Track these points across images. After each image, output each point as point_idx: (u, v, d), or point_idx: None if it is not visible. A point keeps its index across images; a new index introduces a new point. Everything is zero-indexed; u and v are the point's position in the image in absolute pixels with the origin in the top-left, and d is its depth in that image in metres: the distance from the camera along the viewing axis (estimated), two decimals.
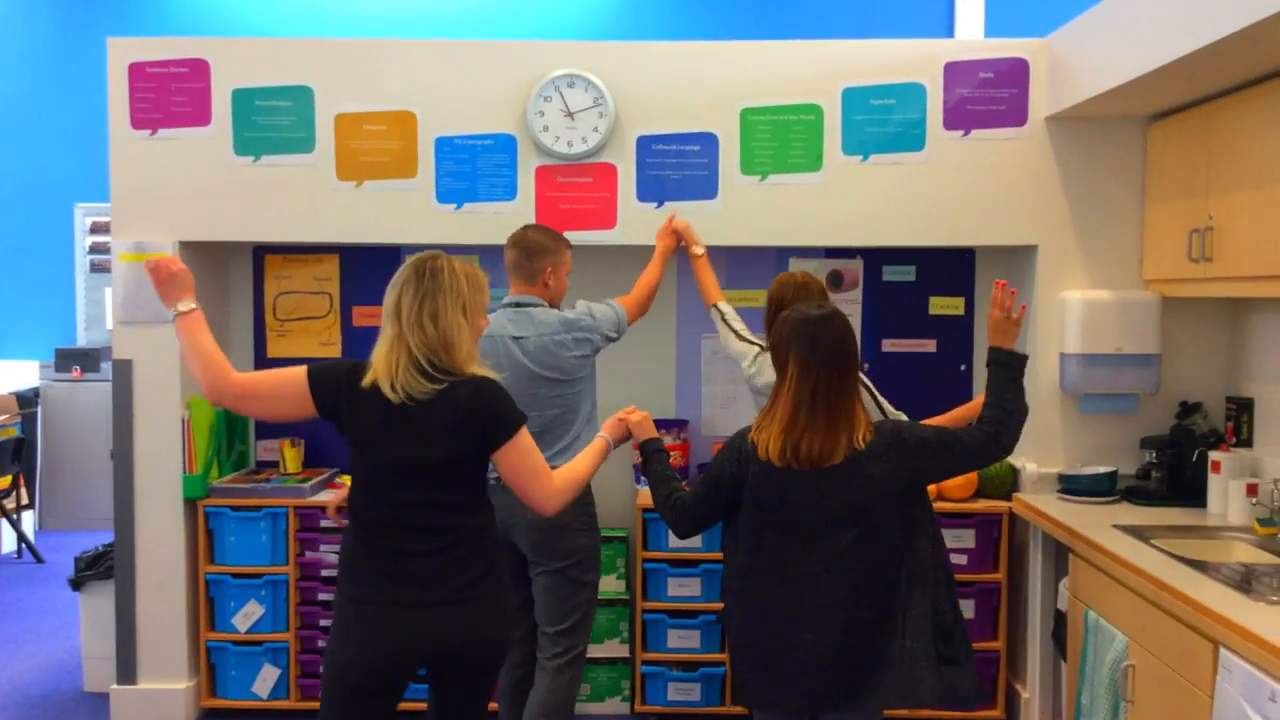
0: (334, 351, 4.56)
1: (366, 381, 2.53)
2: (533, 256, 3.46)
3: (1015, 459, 4.22)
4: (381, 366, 2.53)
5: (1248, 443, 3.82)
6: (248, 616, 4.19)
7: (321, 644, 4.16)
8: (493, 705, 3.19)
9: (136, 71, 4.11)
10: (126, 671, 4.20)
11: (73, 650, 4.98)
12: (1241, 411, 3.86)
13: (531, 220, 4.09)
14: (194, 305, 2.64)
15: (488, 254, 4.49)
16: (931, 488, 4.07)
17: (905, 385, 4.48)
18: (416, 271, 2.57)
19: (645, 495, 4.23)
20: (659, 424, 4.31)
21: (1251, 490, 3.51)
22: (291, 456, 4.43)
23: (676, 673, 4.15)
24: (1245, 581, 2.86)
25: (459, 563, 2.55)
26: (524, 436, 2.59)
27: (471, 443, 2.54)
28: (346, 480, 4.41)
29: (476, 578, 2.57)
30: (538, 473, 2.62)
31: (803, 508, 2.63)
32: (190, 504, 4.19)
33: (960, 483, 4.12)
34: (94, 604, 4.48)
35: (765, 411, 2.73)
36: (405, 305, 2.54)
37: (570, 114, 4.05)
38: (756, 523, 2.69)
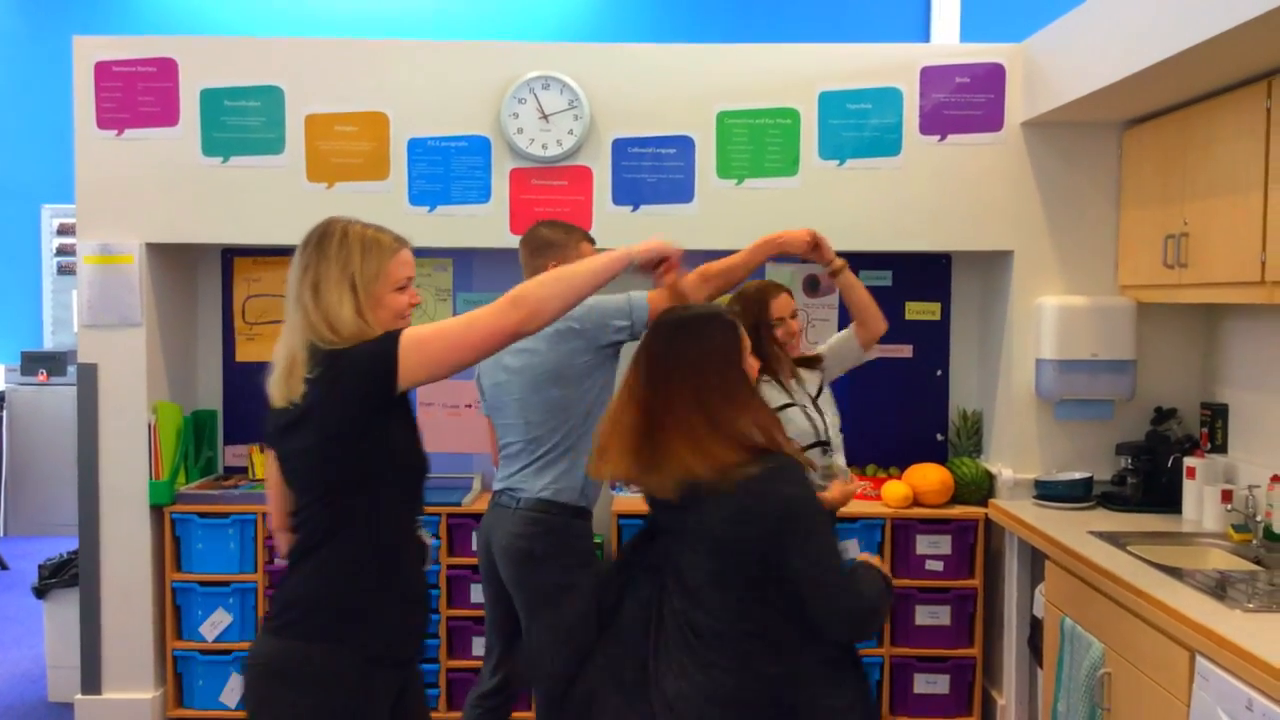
0: None
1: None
2: (537, 252, 3.12)
3: (991, 465, 4.22)
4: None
5: (1222, 449, 3.82)
6: (215, 625, 4.12)
7: None
8: None
9: (103, 70, 4.05)
10: (91, 681, 4.13)
11: (37, 659, 4.89)
12: (1216, 417, 3.87)
13: (505, 223, 4.06)
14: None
15: (461, 257, 4.47)
16: (908, 493, 4.11)
17: (881, 391, 4.48)
18: (303, 241, 2.25)
19: (621, 501, 4.19)
20: None
21: (1226, 496, 3.51)
22: (261, 462, 4.36)
23: None
24: (1220, 588, 2.85)
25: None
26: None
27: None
28: None
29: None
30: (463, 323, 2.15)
31: None
32: (157, 510, 4.12)
33: (937, 487, 4.11)
34: (58, 612, 4.40)
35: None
36: (290, 280, 2.23)
37: (545, 116, 4.01)
38: None
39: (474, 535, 3.73)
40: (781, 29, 7.65)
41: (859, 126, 4.06)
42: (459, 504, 4.15)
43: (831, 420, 3.39)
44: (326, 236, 2.22)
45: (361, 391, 2.12)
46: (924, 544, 4.07)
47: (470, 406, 4.42)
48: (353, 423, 2.13)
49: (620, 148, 4.07)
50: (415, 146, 4.06)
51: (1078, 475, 3.93)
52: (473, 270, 4.48)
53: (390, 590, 2.20)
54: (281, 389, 2.19)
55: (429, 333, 2.12)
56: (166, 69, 4.05)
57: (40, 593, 4.44)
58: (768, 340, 3.28)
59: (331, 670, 2.14)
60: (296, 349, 2.18)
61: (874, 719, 2.35)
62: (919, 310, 4.50)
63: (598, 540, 4.28)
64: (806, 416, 3.28)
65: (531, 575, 3.05)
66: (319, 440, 2.15)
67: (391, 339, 2.11)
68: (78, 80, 4.05)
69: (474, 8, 8.03)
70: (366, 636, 2.16)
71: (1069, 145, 4.03)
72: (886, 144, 4.06)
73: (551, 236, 3.13)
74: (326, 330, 2.16)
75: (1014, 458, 4.09)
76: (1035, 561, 3.84)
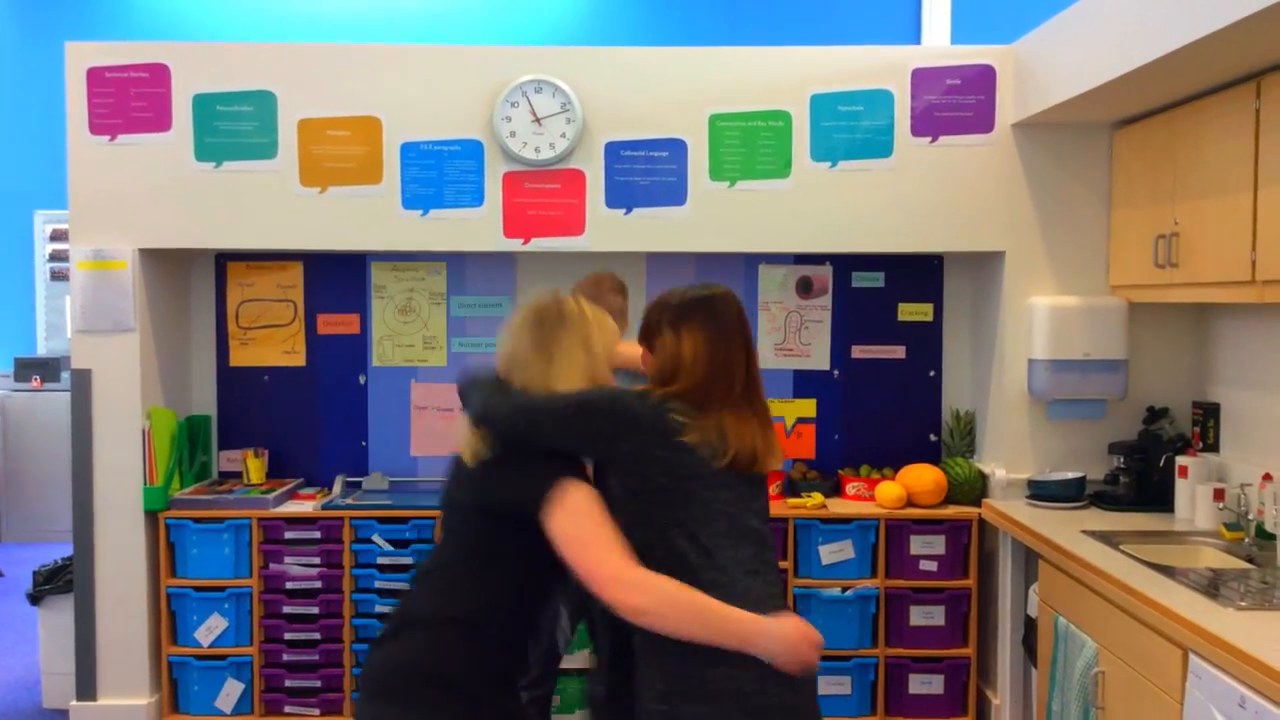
0: (298, 360, 4.50)
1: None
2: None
3: (984, 465, 4.23)
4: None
5: (1214, 448, 3.84)
6: (210, 630, 4.12)
7: (287, 658, 4.12)
8: None
9: (95, 76, 4.05)
10: (86, 687, 4.12)
11: (31, 666, 4.88)
12: (1208, 416, 3.88)
13: (499, 227, 4.07)
14: None
15: (455, 260, 4.47)
16: (902, 494, 4.12)
17: (874, 392, 4.49)
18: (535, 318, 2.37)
19: None
20: None
21: (1218, 495, 3.53)
22: (255, 467, 4.36)
23: None
24: (1213, 587, 2.86)
25: None
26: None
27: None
28: (320, 493, 4.37)
29: None
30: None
31: None
32: (151, 516, 4.12)
33: (931, 488, 4.12)
34: (53, 618, 4.39)
35: None
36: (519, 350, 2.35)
37: (538, 120, 4.02)
38: None
39: None
40: (772, 32, 7.66)
41: (850, 128, 4.07)
42: None
43: None
44: (564, 315, 2.33)
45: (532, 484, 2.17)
46: (918, 544, 4.08)
47: None
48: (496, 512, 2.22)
49: (613, 150, 4.07)
50: (408, 150, 4.06)
51: (1070, 475, 3.94)
52: (466, 274, 4.48)
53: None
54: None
55: (577, 518, 2.12)
56: (159, 75, 4.05)
57: (35, 599, 4.43)
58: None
59: None
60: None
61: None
62: (911, 311, 4.51)
63: None
64: None
65: None
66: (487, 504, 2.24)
67: (544, 492, 2.13)
68: (70, 86, 4.05)
69: (466, 12, 8.04)
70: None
71: (1059, 146, 4.05)
72: (878, 146, 4.07)
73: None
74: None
75: (1007, 458, 4.10)
76: (1029, 561, 3.85)
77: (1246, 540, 3.34)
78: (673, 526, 2.16)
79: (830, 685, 4.08)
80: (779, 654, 2.09)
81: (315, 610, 4.11)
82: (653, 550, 2.14)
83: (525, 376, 2.27)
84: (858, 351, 4.51)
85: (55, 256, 7.91)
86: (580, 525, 2.12)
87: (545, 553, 2.13)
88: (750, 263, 4.48)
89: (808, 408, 4.52)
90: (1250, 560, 3.21)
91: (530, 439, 2.18)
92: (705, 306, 2.32)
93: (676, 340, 2.29)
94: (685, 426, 2.17)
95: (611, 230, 4.06)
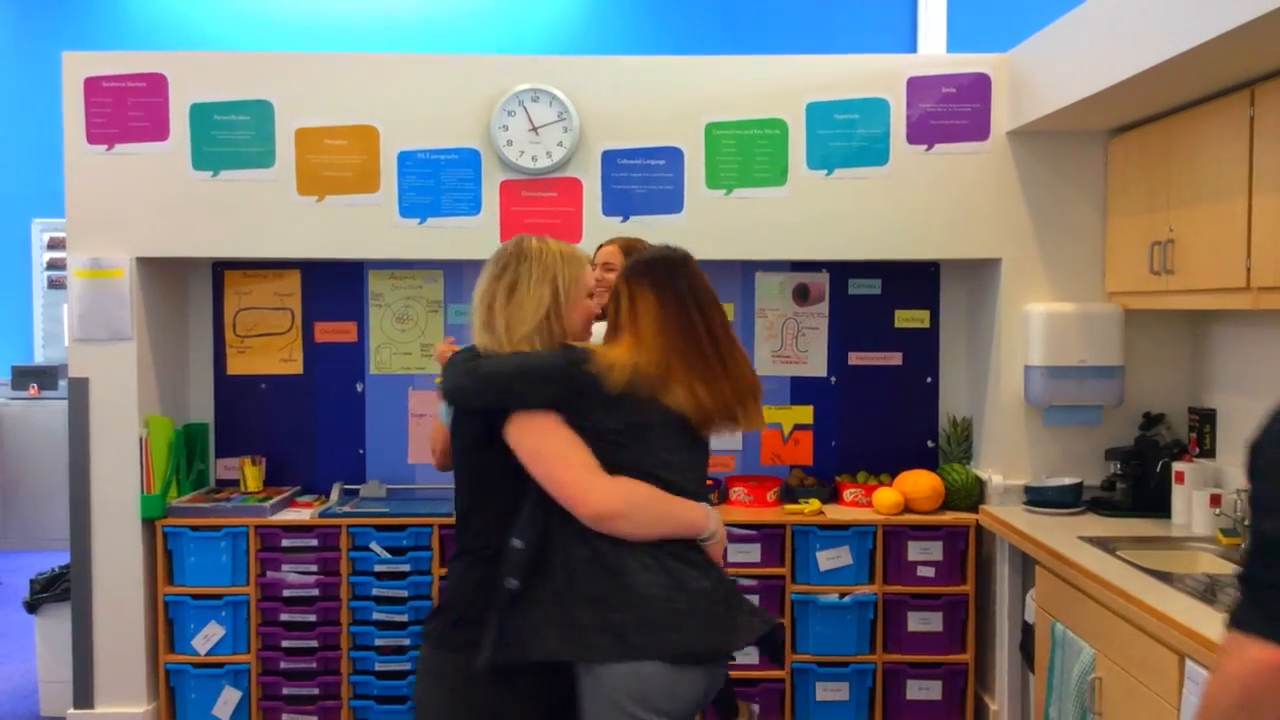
0: (295, 368, 4.50)
1: None
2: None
3: (981, 471, 4.23)
4: None
5: (1210, 453, 3.84)
6: (208, 638, 4.11)
7: (285, 665, 4.11)
8: None
9: (93, 86, 4.05)
10: (84, 695, 4.11)
11: (29, 674, 4.87)
12: (1204, 422, 3.89)
13: (496, 235, 4.07)
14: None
15: (452, 269, 4.48)
16: (899, 500, 4.12)
17: (871, 398, 4.50)
18: (496, 255, 2.45)
19: None
20: None
21: (1215, 501, 3.53)
22: (252, 475, 4.36)
23: None
24: (1210, 592, 2.87)
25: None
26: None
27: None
28: (317, 501, 4.37)
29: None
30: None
31: None
32: (148, 524, 4.11)
33: (928, 494, 4.12)
34: (50, 627, 4.39)
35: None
36: (479, 288, 2.43)
37: (535, 128, 4.03)
38: None
39: None
40: (769, 40, 7.67)
41: (847, 136, 4.08)
42: (451, 514, 4.15)
43: None
44: (526, 248, 2.36)
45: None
46: (915, 550, 4.08)
47: None
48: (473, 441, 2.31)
49: (610, 159, 4.08)
50: (405, 159, 4.07)
51: (1067, 481, 3.95)
52: (463, 282, 4.49)
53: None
54: None
55: (536, 438, 2.22)
56: (156, 84, 4.06)
57: (32, 607, 4.43)
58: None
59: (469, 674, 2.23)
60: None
61: None
62: (908, 318, 4.52)
63: None
64: None
65: None
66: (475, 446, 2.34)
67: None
68: (67, 96, 4.06)
69: (463, 21, 8.05)
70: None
71: (1055, 154, 4.06)
72: (874, 154, 4.08)
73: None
74: (503, 332, 2.30)
75: (1004, 464, 4.11)
76: (1026, 567, 3.85)
77: (1243, 546, 3.34)
78: (629, 469, 2.26)
79: (828, 691, 4.08)
80: (718, 532, 2.33)
81: (313, 618, 4.11)
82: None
83: (491, 318, 2.32)
84: (855, 358, 4.52)
85: (53, 265, 7.91)
86: (543, 439, 2.21)
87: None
88: (747, 270, 4.49)
89: (805, 414, 4.52)
90: None
91: (488, 407, 2.25)
92: (653, 270, 2.38)
93: (631, 304, 2.35)
94: (606, 378, 2.23)
95: (608, 238, 4.06)
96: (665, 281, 2.37)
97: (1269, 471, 1.46)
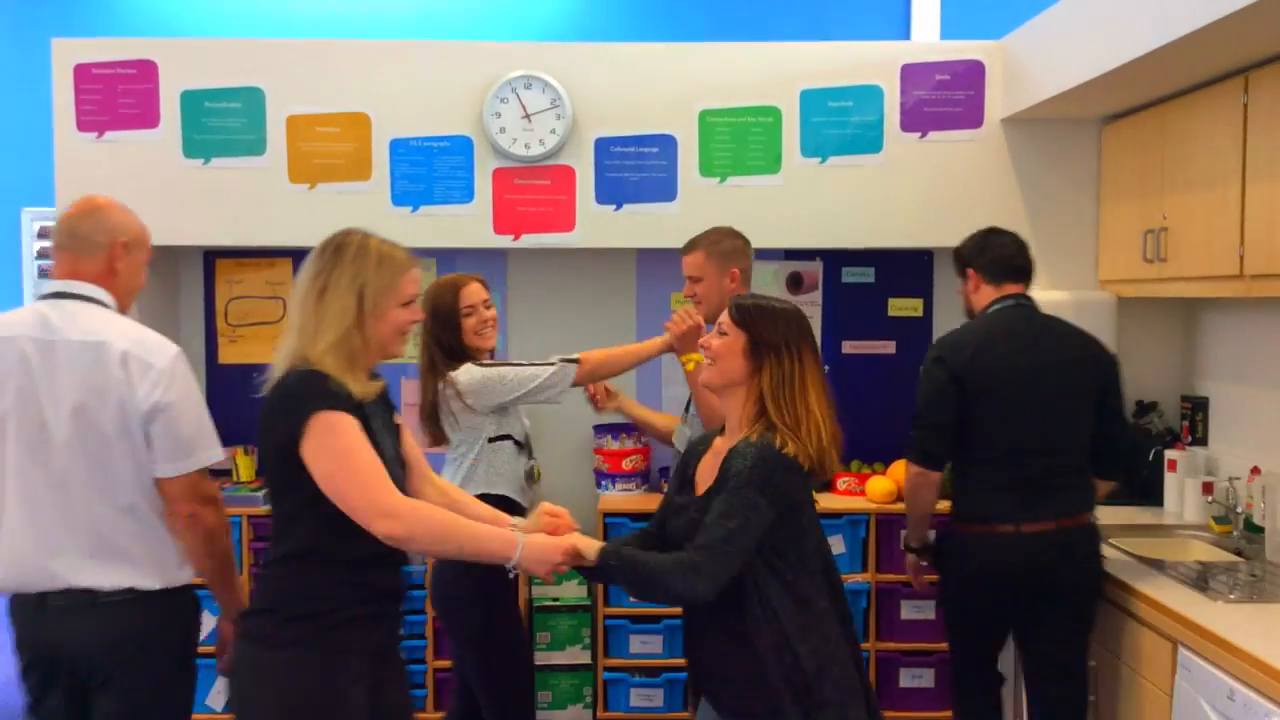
0: None
1: None
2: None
3: None
4: None
5: (1203, 441, 3.85)
6: (201, 629, 4.09)
7: None
8: None
9: (82, 73, 4.02)
10: None
11: None
12: (1196, 410, 3.90)
13: (489, 223, 4.06)
14: None
15: (445, 257, 4.46)
16: (892, 488, 4.12)
17: (865, 387, 4.49)
18: (319, 248, 2.31)
19: (607, 499, 4.20)
20: (616, 429, 4.31)
21: (1207, 489, 3.54)
22: (244, 465, 4.34)
23: (639, 678, 4.12)
24: (1202, 580, 2.88)
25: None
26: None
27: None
28: None
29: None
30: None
31: None
32: None
33: None
34: None
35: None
36: (298, 284, 2.32)
37: (527, 116, 4.01)
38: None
39: None
40: (762, 28, 7.64)
41: (840, 124, 4.07)
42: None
43: (529, 423, 3.40)
44: (344, 246, 2.25)
45: (282, 425, 2.17)
46: None
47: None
48: (283, 441, 2.17)
49: (603, 147, 4.07)
50: (397, 147, 4.05)
51: None
52: (456, 270, 4.45)
53: (351, 590, 2.23)
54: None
55: (331, 442, 2.13)
56: (146, 71, 4.03)
57: None
58: (459, 331, 3.29)
59: (298, 671, 2.18)
60: (284, 355, 2.23)
61: None
62: (901, 307, 4.51)
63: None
64: (519, 418, 3.27)
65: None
66: (268, 446, 2.23)
67: (302, 418, 2.13)
68: (57, 83, 4.03)
69: (455, 8, 8.01)
70: (327, 635, 2.20)
71: (1048, 141, 4.06)
72: (868, 141, 4.07)
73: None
74: (310, 336, 2.20)
75: None
76: None
77: (1235, 533, 3.35)
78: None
79: None
80: (524, 561, 2.24)
81: None
82: None
83: (304, 321, 2.22)
84: (848, 347, 4.52)
85: (43, 254, 7.85)
86: (332, 460, 2.12)
87: None
88: None
89: None
90: (1239, 553, 3.23)
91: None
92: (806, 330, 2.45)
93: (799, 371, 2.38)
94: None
95: (601, 226, 4.05)
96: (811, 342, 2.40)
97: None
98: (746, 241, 3.39)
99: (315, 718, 2.18)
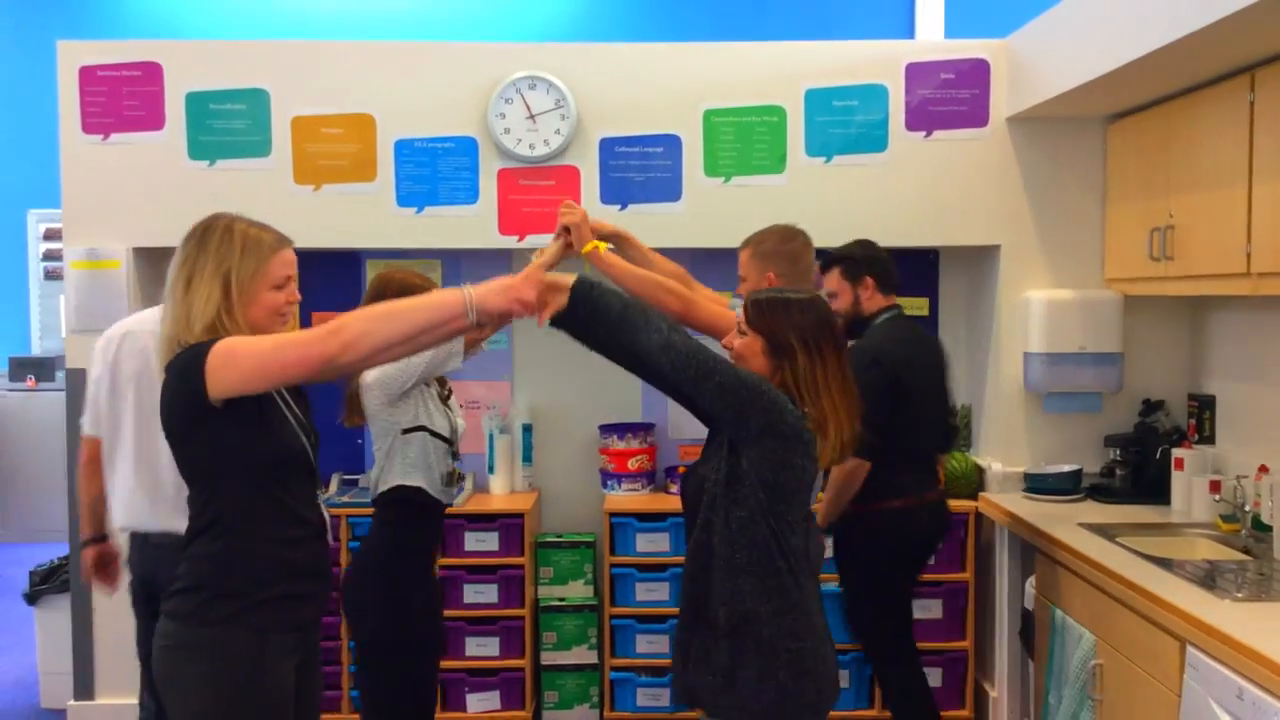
0: None
1: None
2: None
3: (981, 458, 4.23)
4: None
5: (1210, 440, 3.84)
6: None
7: None
8: None
9: (87, 75, 4.03)
10: (84, 687, 4.12)
11: (29, 666, 4.87)
12: (1203, 409, 3.89)
13: (494, 223, 4.06)
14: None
15: (450, 258, 4.46)
16: None
17: None
18: (187, 235, 2.30)
19: (613, 499, 4.20)
20: (624, 428, 4.31)
21: (1214, 487, 3.53)
22: None
23: (645, 678, 4.12)
24: (1210, 579, 2.87)
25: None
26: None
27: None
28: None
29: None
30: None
31: None
32: None
33: None
34: (50, 618, 4.39)
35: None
36: (169, 271, 2.29)
37: (532, 116, 4.01)
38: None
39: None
40: (767, 27, 7.65)
41: (845, 123, 4.07)
42: (450, 504, 4.13)
43: (460, 424, 3.33)
44: (209, 231, 2.25)
45: (176, 404, 2.17)
46: None
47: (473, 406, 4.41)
48: (179, 427, 2.19)
49: (607, 147, 4.07)
50: (402, 148, 4.06)
51: (1067, 468, 3.95)
52: (461, 270, 4.47)
53: (275, 567, 2.24)
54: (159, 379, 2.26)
55: (242, 348, 2.12)
56: (151, 73, 4.04)
57: (31, 599, 4.42)
58: None
59: (227, 647, 2.19)
60: (164, 345, 2.22)
61: None
62: (907, 305, 4.45)
63: (590, 539, 4.29)
64: (444, 414, 3.24)
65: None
66: (166, 437, 2.23)
67: (200, 352, 2.11)
68: (62, 85, 4.04)
69: (459, 9, 8.02)
70: (255, 612, 2.20)
71: (1054, 140, 4.05)
72: (873, 140, 4.07)
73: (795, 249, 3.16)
74: (184, 324, 2.18)
75: (1003, 451, 4.11)
76: (1025, 554, 3.85)
77: (1243, 532, 3.34)
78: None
79: None
80: (484, 308, 2.15)
81: None
82: None
83: (174, 308, 2.20)
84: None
85: (49, 256, 7.89)
86: (248, 356, 2.09)
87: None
88: None
89: None
90: (1246, 552, 3.22)
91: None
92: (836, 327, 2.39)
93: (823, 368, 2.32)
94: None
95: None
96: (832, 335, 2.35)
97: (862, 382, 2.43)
98: (806, 243, 3.19)
99: (245, 693, 2.19)
